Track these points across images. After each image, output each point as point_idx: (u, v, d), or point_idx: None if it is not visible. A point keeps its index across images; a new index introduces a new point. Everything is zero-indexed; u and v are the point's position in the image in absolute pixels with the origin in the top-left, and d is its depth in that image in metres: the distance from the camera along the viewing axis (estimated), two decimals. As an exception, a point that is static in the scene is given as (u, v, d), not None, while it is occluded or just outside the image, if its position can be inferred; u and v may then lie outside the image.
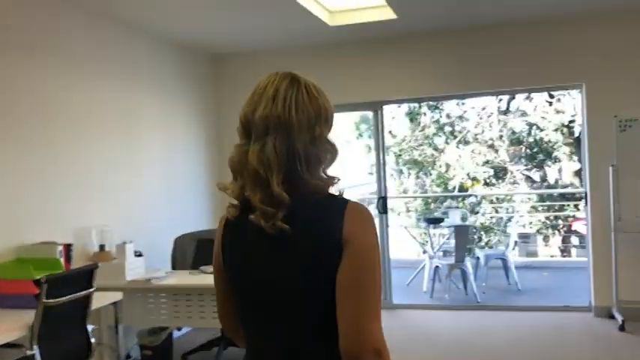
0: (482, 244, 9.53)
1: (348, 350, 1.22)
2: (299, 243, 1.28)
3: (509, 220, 9.60)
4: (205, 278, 3.98)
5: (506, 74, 5.61)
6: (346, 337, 1.23)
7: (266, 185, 1.27)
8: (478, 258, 7.11)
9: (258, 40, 5.81)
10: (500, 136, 11.36)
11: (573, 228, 10.86)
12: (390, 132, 11.58)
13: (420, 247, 7.69)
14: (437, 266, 6.69)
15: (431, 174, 11.66)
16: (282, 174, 1.28)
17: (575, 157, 10.96)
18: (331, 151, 1.34)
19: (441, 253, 7.20)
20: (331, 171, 1.36)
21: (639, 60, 5.22)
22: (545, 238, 10.92)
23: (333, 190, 1.35)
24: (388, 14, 5.08)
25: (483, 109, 11.45)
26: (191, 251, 4.69)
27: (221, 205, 6.34)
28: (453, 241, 6.63)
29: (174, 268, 4.68)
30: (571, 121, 10.60)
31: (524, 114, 11.19)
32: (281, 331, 1.32)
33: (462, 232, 6.47)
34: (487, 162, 11.31)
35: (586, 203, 5.54)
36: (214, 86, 6.31)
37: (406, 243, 8.77)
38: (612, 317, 5.21)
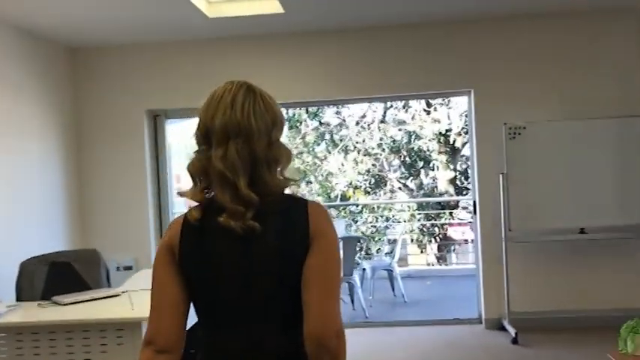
0: (368, 254, 9.38)
1: (314, 334, 1.32)
2: (268, 240, 1.38)
3: (392, 228, 9.55)
4: (58, 312, 3.26)
5: (393, 79, 5.39)
6: (313, 322, 1.33)
7: (234, 187, 1.36)
8: (364, 269, 6.87)
9: (125, 32, 5.11)
10: (380, 145, 11.37)
11: (449, 234, 11.10)
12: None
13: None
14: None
15: (311, 182, 11.40)
16: (248, 176, 1.37)
17: (451, 166, 11.22)
18: (287, 154, 1.46)
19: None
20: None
21: (529, 66, 5.22)
22: (422, 246, 11.06)
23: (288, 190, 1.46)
24: (275, 7, 4.64)
25: (363, 117, 11.41)
26: (41, 278, 3.90)
27: (87, 221, 5.65)
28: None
29: (19, 299, 3.86)
30: (448, 130, 10.83)
31: (402, 122, 11.29)
32: (248, 326, 1.40)
33: (350, 244, 6.17)
34: (368, 171, 11.27)
35: (475, 212, 5.45)
36: (74, 85, 5.49)
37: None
38: (503, 329, 5.14)
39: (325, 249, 1.39)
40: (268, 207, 1.38)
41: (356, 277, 6.26)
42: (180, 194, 1.47)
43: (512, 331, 4.89)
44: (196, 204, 1.42)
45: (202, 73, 5.34)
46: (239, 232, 1.35)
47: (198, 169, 1.41)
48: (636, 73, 5.14)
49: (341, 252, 1.69)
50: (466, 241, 10.55)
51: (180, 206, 5.85)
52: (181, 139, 6.53)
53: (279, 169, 1.44)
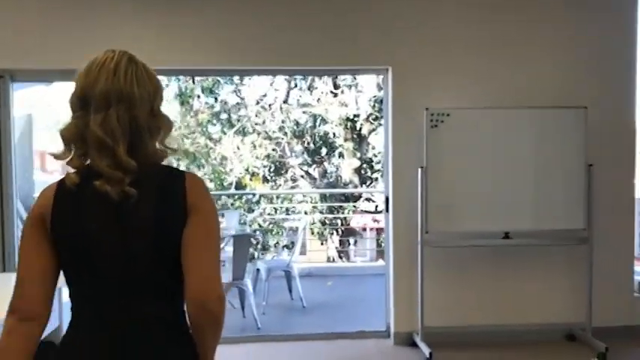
0: (263, 251, 8.55)
1: (197, 298, 1.37)
2: (144, 211, 1.39)
3: (293, 221, 8.76)
4: None
5: (299, 49, 4.57)
6: (195, 286, 1.37)
7: (112, 154, 1.37)
8: (258, 270, 6.06)
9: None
10: (282, 128, 10.51)
11: (352, 227, 10.54)
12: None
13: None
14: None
15: (204, 167, 10.35)
16: (127, 143, 1.39)
17: (357, 154, 10.62)
18: (167, 124, 1.49)
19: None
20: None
21: (456, 48, 4.59)
22: (323, 238, 10.43)
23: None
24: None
25: (263, 96, 10.53)
26: None
27: None
28: (229, 251, 5.45)
29: None
30: (355, 115, 10.19)
31: (306, 105, 10.52)
32: (124, 296, 1.40)
33: (241, 243, 5.32)
34: (268, 156, 10.38)
35: (387, 210, 4.78)
36: None
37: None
38: (415, 346, 4.52)
39: (203, 220, 1.41)
40: (146, 176, 1.40)
41: (248, 281, 5.42)
42: (56, 157, 1.44)
43: (425, 350, 4.26)
44: (73, 170, 1.42)
45: (58, 31, 4.27)
46: (115, 199, 1.37)
47: (74, 134, 1.40)
48: (567, 63, 4.67)
49: (220, 222, 1.54)
50: (371, 230, 10.03)
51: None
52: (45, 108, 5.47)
53: (159, 138, 1.46)
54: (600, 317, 4.57)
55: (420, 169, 4.38)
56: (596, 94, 4.62)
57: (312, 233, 9.87)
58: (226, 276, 5.30)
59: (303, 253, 9.53)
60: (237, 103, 10.53)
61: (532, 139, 4.45)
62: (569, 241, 4.56)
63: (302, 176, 10.88)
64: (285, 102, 10.58)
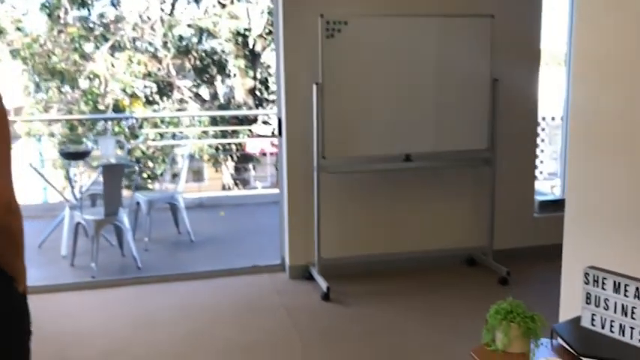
0: (150, 178, 7.89)
1: None
2: None
3: (179, 147, 8.12)
4: None
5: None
6: None
7: None
8: (138, 204, 5.50)
9: None
10: (165, 43, 9.59)
11: (248, 150, 10.08)
12: (18, 28, 8.89)
13: (59, 192, 5.62)
14: (78, 222, 4.83)
15: (78, 88, 9.31)
16: None
17: (251, 73, 9.99)
18: None
19: (88, 201, 5.42)
20: None
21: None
22: (217, 165, 9.91)
23: None
24: None
25: (146, 9, 9.55)
26: None
27: None
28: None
29: None
30: (247, 30, 9.47)
31: (192, 18, 9.65)
32: None
33: (113, 174, 4.71)
34: (149, 74, 9.48)
35: (280, 133, 4.34)
36: None
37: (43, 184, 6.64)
38: (312, 279, 4.24)
39: None
40: None
41: (124, 216, 4.86)
42: None
43: (323, 283, 3.99)
44: None
45: None
46: None
47: None
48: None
49: (9, 127, 1.32)
50: (271, 155, 9.61)
51: None
52: None
53: None
54: (501, 240, 4.49)
55: (314, 86, 3.94)
56: (502, 2, 4.33)
57: (205, 160, 9.30)
58: (99, 212, 4.73)
59: (200, 180, 8.99)
60: (115, 17, 9.48)
61: (435, 51, 4.10)
62: (473, 163, 4.37)
63: (190, 97, 10.13)
64: (169, 14, 9.66)
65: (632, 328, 2.03)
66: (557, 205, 4.76)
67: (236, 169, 10.32)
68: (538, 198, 4.83)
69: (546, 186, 6.28)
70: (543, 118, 6.87)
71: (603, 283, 2.12)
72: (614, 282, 2.08)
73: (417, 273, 4.38)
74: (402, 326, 3.55)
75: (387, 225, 4.42)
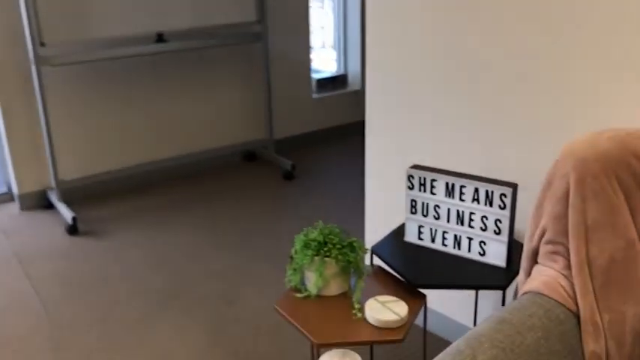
0: None
1: None
2: None
3: None
4: None
5: None
6: None
7: None
8: None
9: None
10: None
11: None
12: None
13: None
14: None
15: None
16: None
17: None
18: None
19: None
20: None
21: None
22: None
23: None
24: None
25: None
26: None
27: None
28: None
29: None
30: None
31: None
32: None
33: None
34: None
35: None
36: None
37: None
38: (52, 207, 3.34)
39: None
40: None
41: None
42: None
43: (67, 213, 3.12)
44: None
45: None
46: None
47: None
48: None
49: None
50: None
51: None
52: None
53: None
54: (281, 128, 4.00)
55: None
56: None
57: None
58: None
59: None
60: None
61: None
62: (241, 39, 3.69)
63: None
64: None
65: (469, 238, 1.64)
66: (336, 82, 4.37)
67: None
68: (315, 76, 4.37)
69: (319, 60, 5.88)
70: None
71: (432, 187, 1.67)
72: (447, 183, 1.64)
73: (189, 181, 3.72)
74: (179, 253, 2.91)
75: (143, 127, 3.61)
